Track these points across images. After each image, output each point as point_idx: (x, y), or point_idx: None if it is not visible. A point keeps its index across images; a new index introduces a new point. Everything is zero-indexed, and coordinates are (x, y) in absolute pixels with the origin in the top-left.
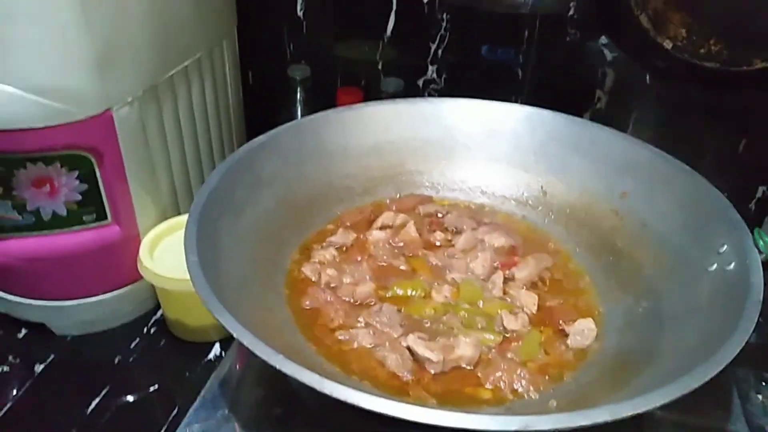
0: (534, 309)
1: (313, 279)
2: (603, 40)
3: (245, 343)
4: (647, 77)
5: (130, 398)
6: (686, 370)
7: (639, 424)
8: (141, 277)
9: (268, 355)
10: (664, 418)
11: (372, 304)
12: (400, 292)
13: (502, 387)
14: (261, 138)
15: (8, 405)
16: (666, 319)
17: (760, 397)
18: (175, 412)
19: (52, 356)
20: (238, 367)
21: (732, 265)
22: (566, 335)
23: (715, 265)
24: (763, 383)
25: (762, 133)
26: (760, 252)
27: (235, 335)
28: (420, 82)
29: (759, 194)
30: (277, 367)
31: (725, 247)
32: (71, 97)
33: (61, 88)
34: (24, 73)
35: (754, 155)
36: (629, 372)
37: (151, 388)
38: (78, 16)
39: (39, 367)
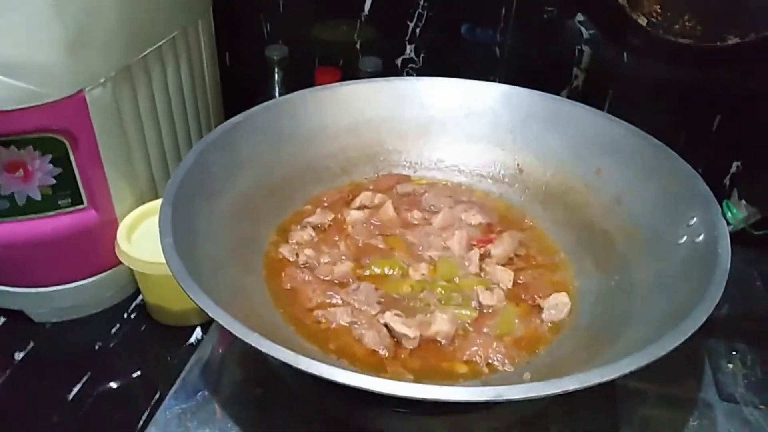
0: (509, 285)
1: (291, 259)
2: (579, 17)
3: (221, 322)
4: (624, 55)
5: (111, 384)
6: (655, 338)
7: (612, 394)
8: (120, 262)
9: (244, 334)
10: (637, 389)
11: (350, 282)
12: (377, 270)
13: (478, 361)
14: (237, 118)
15: None
16: (637, 292)
17: (730, 366)
18: (156, 396)
19: (31, 344)
20: (220, 351)
21: (701, 237)
22: (541, 309)
23: (684, 238)
24: (734, 353)
25: (735, 109)
26: (728, 223)
27: (210, 314)
28: (398, 62)
29: (733, 169)
30: (253, 345)
31: (695, 219)
32: (42, 78)
33: (32, 68)
34: None
35: (728, 131)
36: (602, 343)
37: (133, 374)
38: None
39: (19, 355)
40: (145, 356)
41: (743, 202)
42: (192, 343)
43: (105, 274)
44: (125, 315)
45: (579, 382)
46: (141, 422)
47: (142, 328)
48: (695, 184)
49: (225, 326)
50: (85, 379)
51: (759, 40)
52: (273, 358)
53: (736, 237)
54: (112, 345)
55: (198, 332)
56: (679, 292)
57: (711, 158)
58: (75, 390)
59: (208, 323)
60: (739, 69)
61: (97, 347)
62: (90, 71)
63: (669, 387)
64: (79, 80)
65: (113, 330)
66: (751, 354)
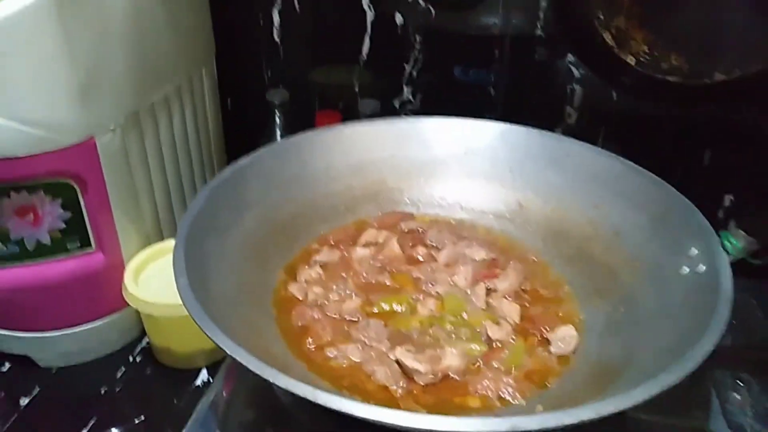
0: (517, 318)
1: (300, 297)
2: (570, 58)
3: (239, 358)
4: (614, 93)
5: (118, 429)
6: (663, 368)
7: (623, 425)
8: (126, 305)
9: (261, 370)
10: (647, 420)
11: (359, 320)
12: (386, 307)
13: (490, 395)
14: (244, 159)
15: None
16: (643, 323)
17: (738, 396)
18: None
19: (37, 389)
20: (225, 393)
21: (702, 268)
22: (549, 342)
23: (686, 269)
24: (739, 383)
25: (725, 143)
26: (728, 254)
27: (227, 352)
28: (396, 103)
29: (726, 202)
30: (271, 380)
31: (695, 251)
32: (55, 126)
33: (45, 116)
34: (7, 103)
35: (719, 165)
36: (610, 375)
37: (139, 418)
38: (61, 47)
39: (24, 401)
40: (152, 400)
41: (741, 232)
42: (198, 385)
43: (111, 317)
44: (131, 358)
45: (594, 411)
46: None
47: (148, 371)
48: (692, 215)
49: (242, 362)
50: (91, 424)
51: (744, 76)
52: (290, 393)
53: (734, 267)
54: (117, 389)
55: (204, 374)
56: (684, 323)
57: (704, 192)
58: None
59: (214, 365)
60: (726, 104)
61: (102, 392)
62: (100, 118)
63: (678, 419)
64: (90, 127)
65: (119, 374)
66: (756, 384)
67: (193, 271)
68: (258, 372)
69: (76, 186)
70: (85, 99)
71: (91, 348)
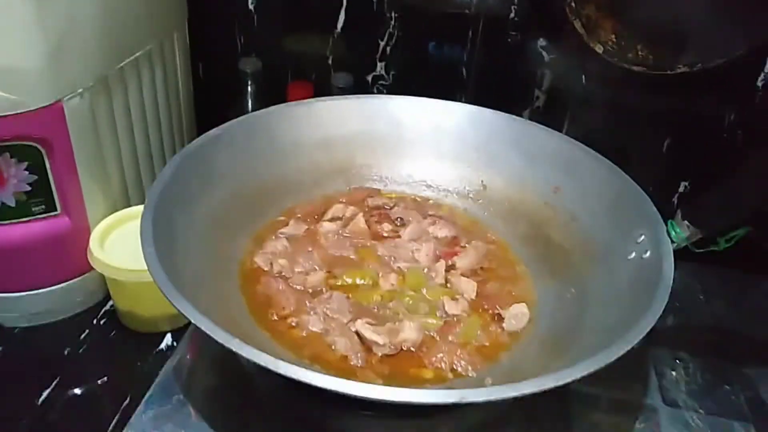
0: (473, 295)
1: (265, 268)
2: (541, 42)
3: (203, 328)
4: (581, 78)
5: (81, 390)
6: (605, 346)
7: (564, 398)
8: (90, 269)
9: (225, 340)
10: (588, 393)
11: (322, 292)
12: (349, 280)
13: (443, 367)
14: (215, 131)
15: None
16: (591, 303)
17: (674, 373)
18: (126, 401)
19: (0, 348)
20: (189, 356)
21: (648, 254)
22: (502, 319)
23: (633, 254)
24: (677, 361)
25: (683, 132)
26: (672, 241)
27: (193, 321)
28: (369, 78)
29: (681, 189)
30: (234, 350)
31: (642, 237)
32: (21, 88)
33: (12, 77)
34: None
35: (677, 153)
36: (557, 351)
37: (103, 380)
38: (30, 10)
39: None
40: (115, 362)
41: (686, 222)
42: (162, 350)
43: (76, 279)
44: (95, 321)
45: (537, 386)
46: (111, 427)
47: (112, 334)
48: (644, 204)
49: (207, 332)
50: (54, 384)
51: (705, 69)
52: (253, 363)
53: (681, 253)
54: (81, 350)
55: (168, 338)
56: (628, 304)
57: (661, 177)
58: (44, 395)
59: (178, 330)
60: (687, 95)
61: (66, 352)
62: (68, 81)
63: (618, 392)
64: (58, 90)
65: (83, 335)
66: (693, 362)
67: (160, 239)
68: (222, 342)
69: (42, 149)
70: (53, 62)
71: (55, 309)
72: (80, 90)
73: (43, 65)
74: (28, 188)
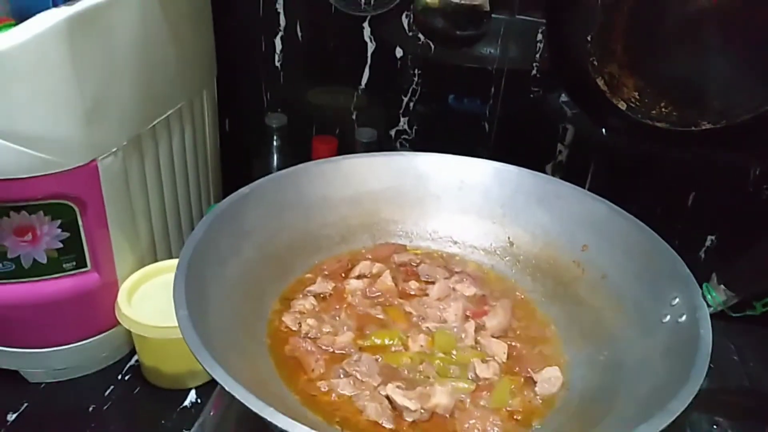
0: (504, 357)
1: (294, 329)
2: (563, 98)
3: (237, 396)
4: (604, 133)
5: None
6: (643, 418)
7: None
8: (116, 324)
9: (259, 408)
10: None
11: (351, 353)
12: (378, 341)
13: None
14: (244, 190)
15: None
16: (625, 367)
17: None
18: None
19: (25, 404)
20: (215, 419)
21: (683, 318)
22: (534, 383)
23: (668, 317)
24: (714, 426)
25: (708, 187)
26: (708, 305)
27: (227, 389)
28: (392, 132)
29: (708, 243)
30: (268, 419)
31: (677, 299)
32: (58, 148)
33: (49, 139)
34: (13, 125)
35: (702, 207)
36: (592, 418)
37: None
38: (69, 73)
39: (11, 416)
40: (139, 419)
41: (722, 286)
42: (186, 406)
43: (102, 335)
44: (119, 376)
45: None
46: None
47: (136, 390)
48: (676, 264)
49: (242, 401)
50: None
51: (729, 125)
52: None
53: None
54: (105, 407)
55: (192, 395)
56: (664, 371)
57: (687, 232)
58: None
59: (202, 386)
60: (711, 149)
61: (90, 409)
62: (104, 141)
63: None
64: (94, 150)
65: (107, 391)
66: (730, 428)
67: (192, 302)
68: (257, 411)
69: (75, 207)
70: (89, 123)
71: (80, 365)
72: (114, 149)
73: (79, 126)
74: (60, 245)
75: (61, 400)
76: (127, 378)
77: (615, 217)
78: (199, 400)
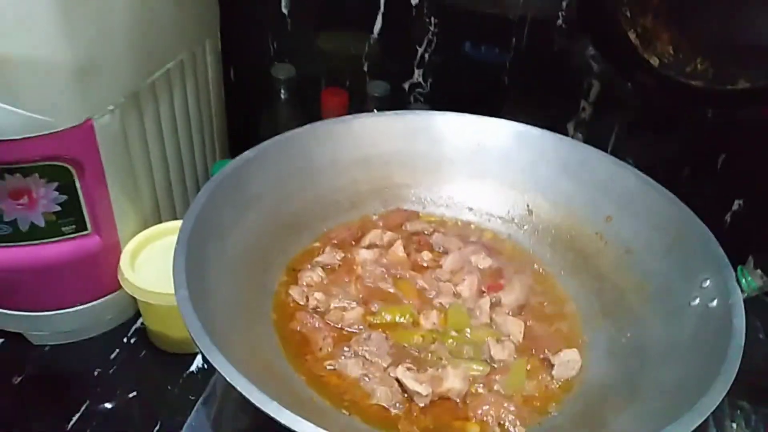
0: (520, 337)
1: (301, 303)
2: (590, 51)
3: (238, 388)
4: (632, 91)
5: (110, 413)
6: (670, 414)
7: None
8: (121, 286)
9: (262, 403)
10: None
11: (360, 331)
12: (388, 317)
13: (489, 422)
14: (248, 153)
15: None
16: (648, 353)
17: (734, 425)
18: (157, 427)
19: (29, 368)
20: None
21: (715, 302)
22: (551, 366)
23: (697, 300)
24: (738, 411)
25: (740, 149)
26: (742, 291)
27: (228, 379)
28: (406, 86)
29: (735, 207)
30: (272, 415)
31: (708, 282)
32: (51, 109)
33: (42, 99)
34: (2, 85)
35: (732, 169)
36: (612, 407)
37: (132, 403)
38: (60, 27)
39: (17, 380)
40: (145, 384)
41: (759, 271)
42: (192, 371)
43: (106, 298)
44: (125, 339)
45: None
46: None
47: (142, 354)
48: (709, 244)
49: (243, 393)
50: (84, 407)
51: None
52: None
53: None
54: (111, 371)
55: (199, 360)
56: (692, 361)
57: (713, 194)
58: (74, 419)
59: None
60: (745, 110)
61: (96, 373)
62: (98, 99)
63: None
64: (88, 108)
65: (112, 355)
66: (754, 414)
67: (193, 279)
68: (258, 405)
69: (72, 169)
70: (83, 81)
71: (85, 328)
72: (110, 108)
73: (72, 85)
74: (58, 208)
75: (66, 363)
76: (132, 341)
77: (644, 188)
78: (205, 366)
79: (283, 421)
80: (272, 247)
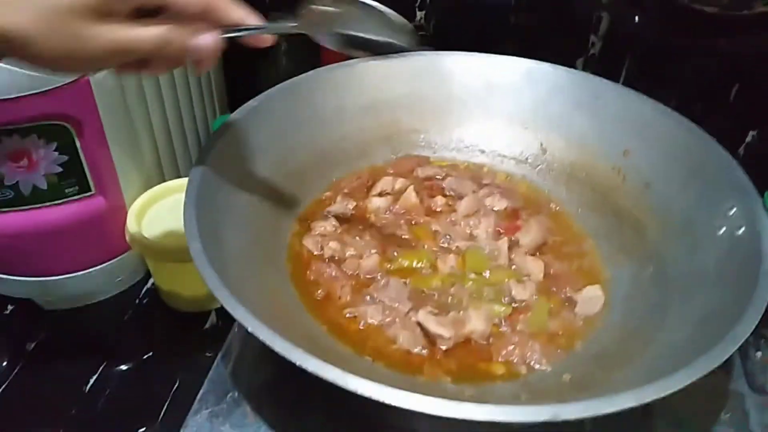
0: (540, 276)
1: (315, 252)
2: None
3: (262, 338)
4: (644, 22)
5: (128, 374)
6: (701, 346)
7: None
8: (128, 247)
9: (287, 351)
10: None
11: (378, 278)
12: (405, 263)
13: (515, 361)
14: (251, 103)
15: (2, 387)
16: (673, 286)
17: (759, 354)
18: (176, 386)
19: (42, 333)
20: (239, 347)
21: (742, 230)
22: (574, 303)
23: (723, 229)
24: (763, 340)
25: (755, 78)
26: None
27: (250, 330)
28: None
29: (749, 138)
30: (298, 363)
31: (734, 210)
32: None
33: None
34: None
35: (746, 100)
36: (639, 341)
37: (150, 363)
38: None
39: (30, 346)
40: (160, 344)
41: None
42: (207, 329)
43: (115, 260)
44: (137, 300)
45: (636, 398)
46: (162, 414)
47: (155, 314)
48: (733, 171)
49: (268, 343)
50: (100, 369)
51: None
52: (318, 375)
53: None
54: (125, 332)
55: (213, 317)
56: (720, 290)
57: (727, 126)
58: (92, 381)
59: (222, 308)
60: (759, 36)
61: (109, 335)
62: None
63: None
64: None
65: (126, 317)
66: None
67: (205, 232)
68: (284, 354)
69: (71, 128)
70: None
71: (95, 290)
72: None
73: None
74: (60, 170)
75: (78, 327)
76: (144, 302)
77: (661, 118)
78: (219, 323)
79: (310, 369)
80: (282, 197)
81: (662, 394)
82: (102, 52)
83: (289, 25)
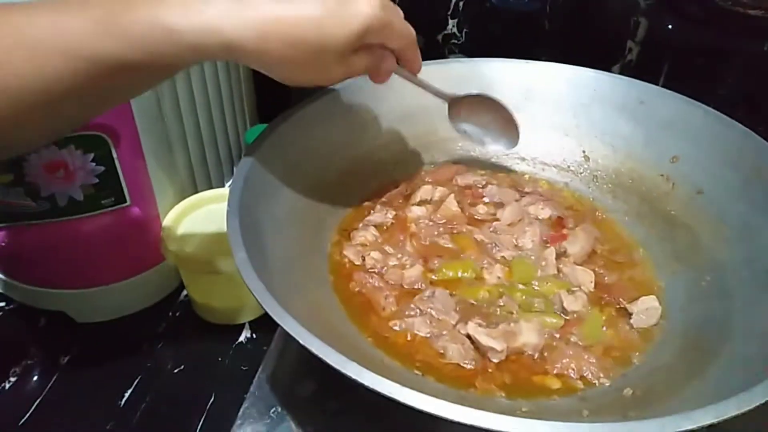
0: (591, 287)
1: (357, 262)
2: None
3: (314, 351)
4: (683, 26)
5: (163, 387)
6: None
7: None
8: (162, 259)
9: (341, 365)
10: None
11: (422, 288)
12: (450, 273)
13: (571, 374)
14: (288, 112)
15: (36, 402)
16: (735, 295)
17: None
18: (212, 400)
19: (76, 346)
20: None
21: None
22: (628, 314)
23: None
24: None
25: None
26: None
27: (301, 342)
28: (440, 38)
29: None
30: (353, 377)
31: None
32: None
33: None
34: None
35: None
36: (701, 355)
37: (185, 377)
38: None
39: (64, 359)
40: (195, 357)
41: None
42: (242, 342)
43: (148, 272)
44: (170, 313)
45: (715, 414)
46: (199, 428)
47: (189, 327)
48: None
49: (319, 356)
50: (135, 383)
51: None
52: (373, 390)
53: None
54: (160, 346)
55: (247, 331)
56: None
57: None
58: (126, 395)
59: (256, 321)
60: None
61: (144, 348)
62: None
63: None
64: None
65: (159, 329)
66: None
67: (248, 242)
68: (338, 367)
69: (108, 139)
70: None
71: (128, 303)
72: None
73: None
74: (96, 180)
75: (112, 340)
76: (177, 314)
77: (712, 123)
78: (254, 335)
79: (366, 383)
80: (321, 207)
81: (743, 409)
82: (336, 80)
83: (442, 95)
